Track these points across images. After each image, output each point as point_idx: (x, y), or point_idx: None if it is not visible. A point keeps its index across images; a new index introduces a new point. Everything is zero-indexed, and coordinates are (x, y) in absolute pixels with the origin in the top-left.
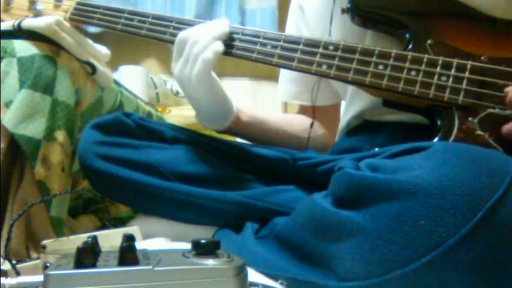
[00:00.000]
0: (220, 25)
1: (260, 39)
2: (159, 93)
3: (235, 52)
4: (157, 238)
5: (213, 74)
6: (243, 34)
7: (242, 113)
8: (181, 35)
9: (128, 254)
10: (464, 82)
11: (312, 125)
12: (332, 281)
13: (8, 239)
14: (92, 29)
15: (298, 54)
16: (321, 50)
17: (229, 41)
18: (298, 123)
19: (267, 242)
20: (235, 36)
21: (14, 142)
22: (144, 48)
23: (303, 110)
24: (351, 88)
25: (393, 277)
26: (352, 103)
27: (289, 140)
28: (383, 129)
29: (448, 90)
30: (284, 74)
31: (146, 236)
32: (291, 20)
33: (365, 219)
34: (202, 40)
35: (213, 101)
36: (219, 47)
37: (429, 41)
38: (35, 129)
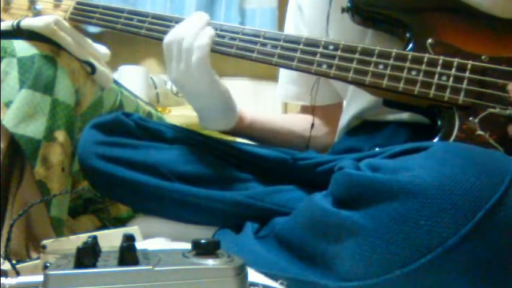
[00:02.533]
0: (201, 17)
1: (260, 39)
2: (159, 93)
3: (235, 52)
4: (157, 238)
5: (216, 74)
6: (243, 34)
7: (245, 114)
8: (166, 40)
9: (127, 254)
10: (465, 82)
11: (312, 125)
12: (332, 281)
13: (8, 239)
14: (92, 29)
15: (298, 54)
16: (321, 49)
17: (227, 39)
18: (300, 123)
19: (267, 242)
20: (235, 36)
21: (14, 142)
22: (144, 48)
23: (304, 110)
24: (351, 88)
25: (393, 277)
26: (352, 103)
27: (291, 140)
28: (383, 129)
29: (448, 90)
30: (284, 74)
31: (146, 236)
32: (290, 21)
33: (365, 219)
34: (189, 32)
35: (216, 96)
36: (210, 31)
37: (430, 41)
38: (35, 129)
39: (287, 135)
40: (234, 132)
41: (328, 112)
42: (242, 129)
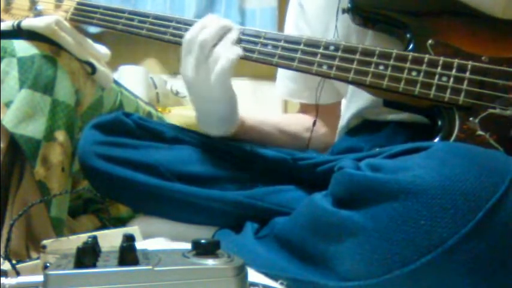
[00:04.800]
0: (232, 26)
1: (261, 39)
2: (159, 93)
3: None
4: (157, 238)
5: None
6: (244, 34)
7: (245, 121)
8: (190, 35)
9: (127, 254)
10: (465, 82)
11: (314, 123)
12: (332, 281)
13: (8, 239)
14: (92, 29)
15: (298, 55)
16: (321, 50)
17: None
18: (299, 123)
19: (267, 242)
20: None
21: (14, 142)
22: (144, 48)
23: (303, 109)
24: (351, 86)
25: (393, 277)
26: (352, 101)
27: (291, 140)
28: (383, 129)
29: (448, 91)
30: (282, 70)
31: (146, 236)
32: (291, 19)
33: (365, 219)
34: (221, 40)
35: (226, 104)
36: (239, 50)
37: (430, 41)
38: (35, 129)
39: (286, 137)
40: (234, 136)
41: (327, 111)
42: (240, 134)
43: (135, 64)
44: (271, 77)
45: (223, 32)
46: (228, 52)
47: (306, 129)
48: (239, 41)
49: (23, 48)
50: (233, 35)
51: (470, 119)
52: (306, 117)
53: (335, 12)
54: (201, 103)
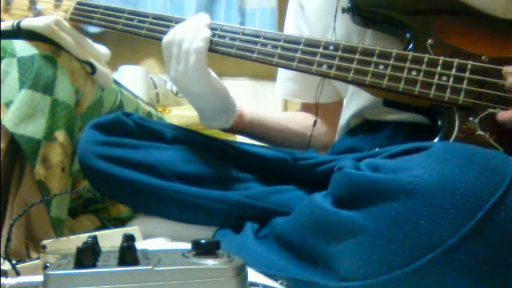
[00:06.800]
0: (201, 18)
1: (260, 39)
2: (159, 93)
3: (236, 52)
4: (157, 238)
5: (210, 70)
6: (243, 34)
7: (245, 111)
8: (165, 39)
9: (127, 254)
10: (465, 82)
11: (315, 123)
12: (332, 280)
13: (8, 239)
14: (92, 29)
15: (298, 54)
16: (321, 50)
17: (228, 40)
18: (300, 121)
19: (267, 242)
20: (236, 36)
21: (14, 142)
22: (144, 48)
23: (304, 108)
24: (351, 86)
25: (393, 277)
26: (352, 101)
27: (292, 138)
28: (383, 129)
29: (448, 90)
30: (283, 71)
31: (146, 236)
32: (290, 18)
33: (365, 219)
34: (188, 34)
35: (215, 95)
36: (206, 33)
37: (430, 41)
38: (35, 129)
39: (287, 134)
40: (234, 130)
41: (328, 111)
42: (242, 127)
43: (135, 64)
44: (271, 77)
45: (197, 29)
46: (195, 43)
47: (305, 127)
48: (236, 40)
49: (23, 48)
50: (198, 24)
51: (470, 118)
52: (305, 115)
53: (334, 12)
54: (193, 100)
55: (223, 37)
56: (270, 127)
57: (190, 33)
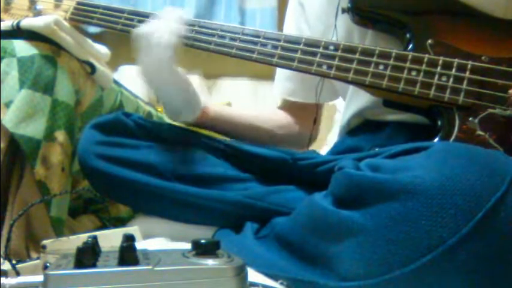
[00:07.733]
0: (176, 13)
1: (260, 39)
2: None
3: (236, 52)
4: (157, 238)
5: (180, 69)
6: (243, 34)
7: (209, 109)
8: (137, 31)
9: (127, 254)
10: (465, 82)
11: (314, 122)
12: (332, 280)
13: (8, 239)
14: (92, 29)
15: (298, 55)
16: (321, 50)
17: (227, 40)
18: (274, 120)
19: (267, 242)
20: (236, 36)
21: (14, 142)
22: None
23: (284, 106)
24: (351, 86)
25: (393, 277)
26: (352, 101)
27: (259, 136)
28: (383, 129)
29: (448, 91)
30: (281, 70)
31: (146, 236)
32: (291, 18)
33: (365, 219)
34: (160, 28)
35: (178, 90)
36: (178, 28)
37: (429, 41)
38: (35, 129)
39: (253, 131)
40: (199, 125)
41: (304, 111)
42: (204, 122)
43: (135, 64)
44: (271, 77)
45: (169, 24)
46: (165, 36)
47: (280, 126)
48: (236, 40)
49: (22, 48)
50: (171, 19)
51: (470, 119)
52: (282, 114)
53: (335, 12)
54: (158, 93)
55: (223, 37)
56: (236, 124)
57: (162, 27)
